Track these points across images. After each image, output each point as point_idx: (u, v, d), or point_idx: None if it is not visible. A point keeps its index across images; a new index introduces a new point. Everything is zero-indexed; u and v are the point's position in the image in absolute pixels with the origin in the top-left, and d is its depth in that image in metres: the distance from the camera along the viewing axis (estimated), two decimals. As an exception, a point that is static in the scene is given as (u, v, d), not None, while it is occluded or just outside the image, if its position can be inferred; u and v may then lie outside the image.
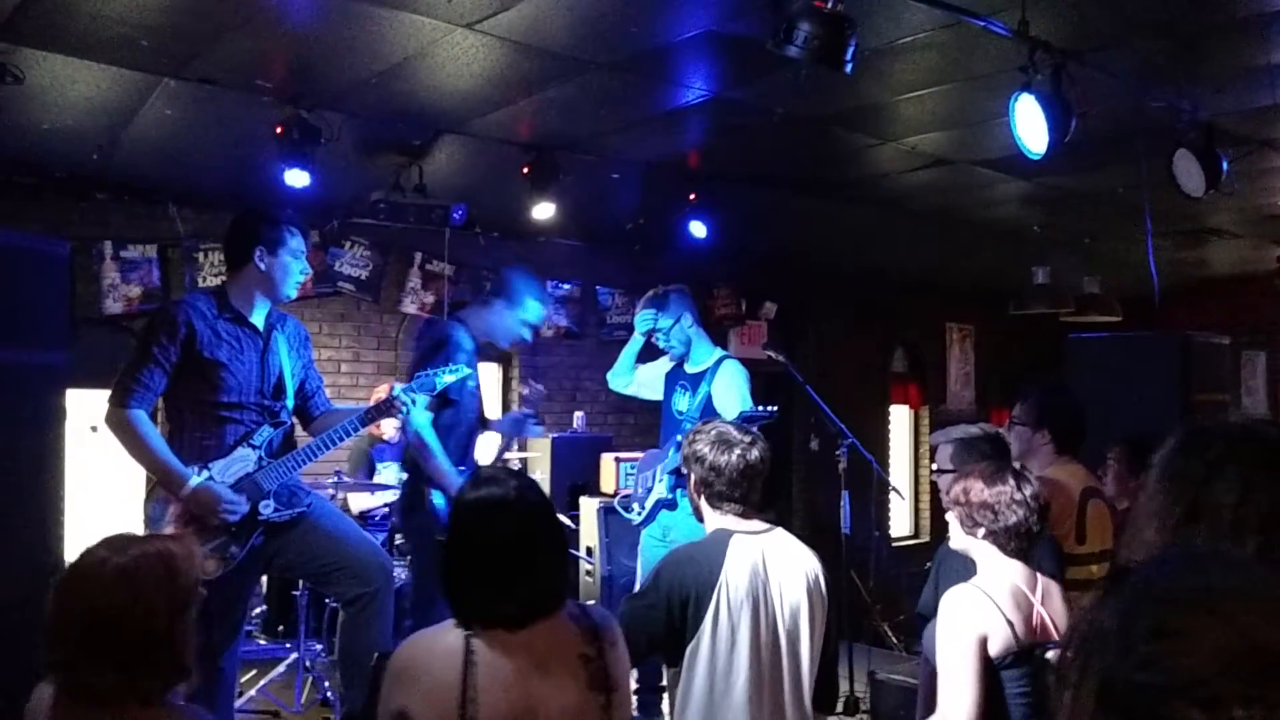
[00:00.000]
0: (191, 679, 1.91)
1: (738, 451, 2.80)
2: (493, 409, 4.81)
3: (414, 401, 3.74)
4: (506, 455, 6.90)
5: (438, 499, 4.23)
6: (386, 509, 5.77)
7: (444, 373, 3.82)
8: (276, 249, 3.59)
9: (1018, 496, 2.67)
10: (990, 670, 2.57)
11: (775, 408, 4.55)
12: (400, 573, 5.37)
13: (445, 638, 2.09)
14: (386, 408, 3.71)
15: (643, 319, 4.83)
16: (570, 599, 2.22)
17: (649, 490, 4.86)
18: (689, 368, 4.93)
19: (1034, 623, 2.64)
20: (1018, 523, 2.66)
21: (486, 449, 4.72)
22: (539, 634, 2.10)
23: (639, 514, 4.89)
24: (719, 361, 4.86)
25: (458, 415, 4.22)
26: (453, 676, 2.02)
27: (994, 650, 2.57)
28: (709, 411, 4.70)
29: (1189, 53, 4.42)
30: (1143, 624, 0.85)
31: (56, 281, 3.56)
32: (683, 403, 4.90)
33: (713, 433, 2.86)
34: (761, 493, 2.91)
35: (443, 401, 4.11)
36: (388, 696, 2.08)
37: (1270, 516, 1.59)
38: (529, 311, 4.47)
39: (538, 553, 2.13)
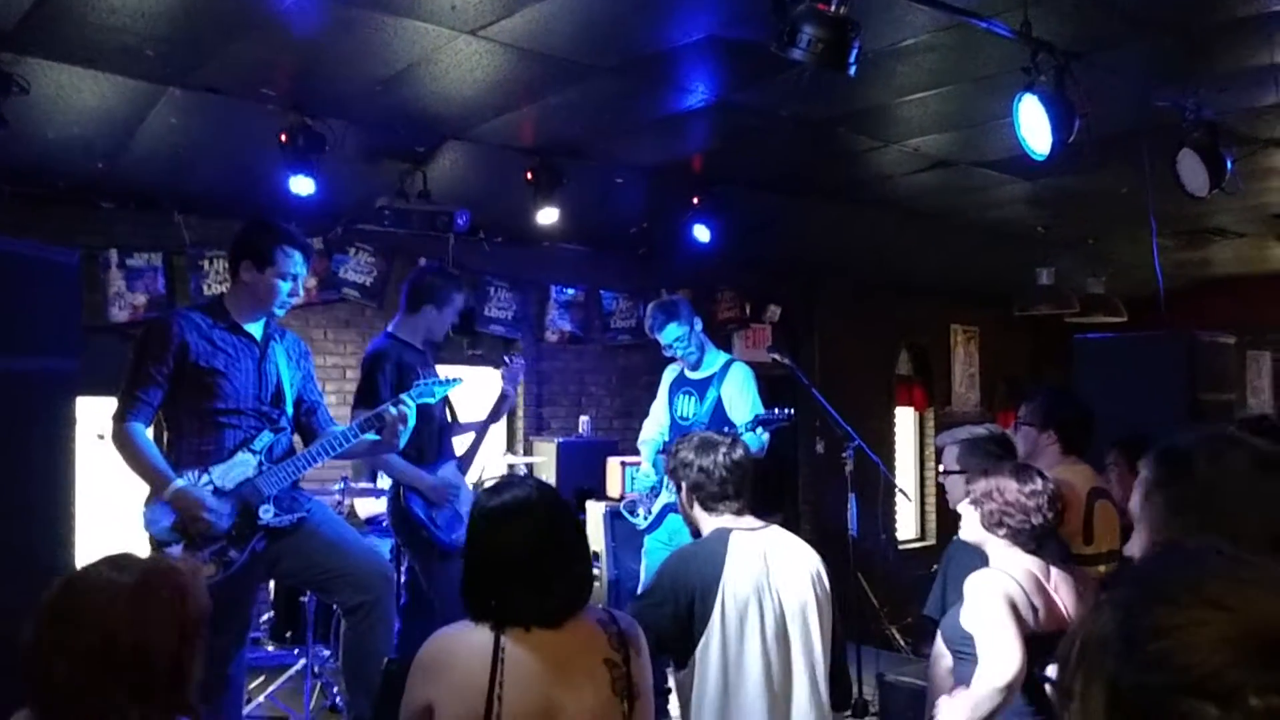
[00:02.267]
0: (195, 714, 1.78)
1: (722, 450, 2.87)
2: (481, 410, 4.84)
3: (409, 410, 3.74)
4: (512, 460, 6.93)
5: (416, 505, 4.34)
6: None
7: (436, 385, 3.90)
8: (264, 266, 3.55)
9: (1047, 497, 2.75)
10: (1025, 637, 2.61)
11: (791, 410, 4.56)
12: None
13: (474, 634, 2.10)
14: (379, 420, 3.71)
15: (669, 331, 4.82)
16: (597, 604, 2.23)
17: (658, 494, 4.86)
18: (693, 374, 4.93)
19: (1052, 612, 2.70)
20: (1045, 522, 2.75)
21: (460, 446, 4.74)
22: (566, 635, 2.11)
23: (645, 518, 4.88)
24: (726, 366, 4.87)
25: (422, 417, 4.19)
26: (482, 671, 2.03)
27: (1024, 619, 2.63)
28: (719, 416, 4.71)
29: (1193, 52, 4.42)
30: (1143, 624, 0.84)
31: (66, 290, 3.57)
32: (687, 408, 4.89)
33: (694, 440, 2.94)
34: (760, 495, 2.94)
35: None
36: (414, 689, 2.11)
37: (1272, 522, 1.59)
38: (456, 305, 4.60)
39: (562, 552, 2.15)
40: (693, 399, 4.90)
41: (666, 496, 4.77)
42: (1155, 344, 5.81)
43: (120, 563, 1.74)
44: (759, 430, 4.50)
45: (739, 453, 2.88)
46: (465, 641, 2.11)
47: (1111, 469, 4.22)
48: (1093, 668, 0.87)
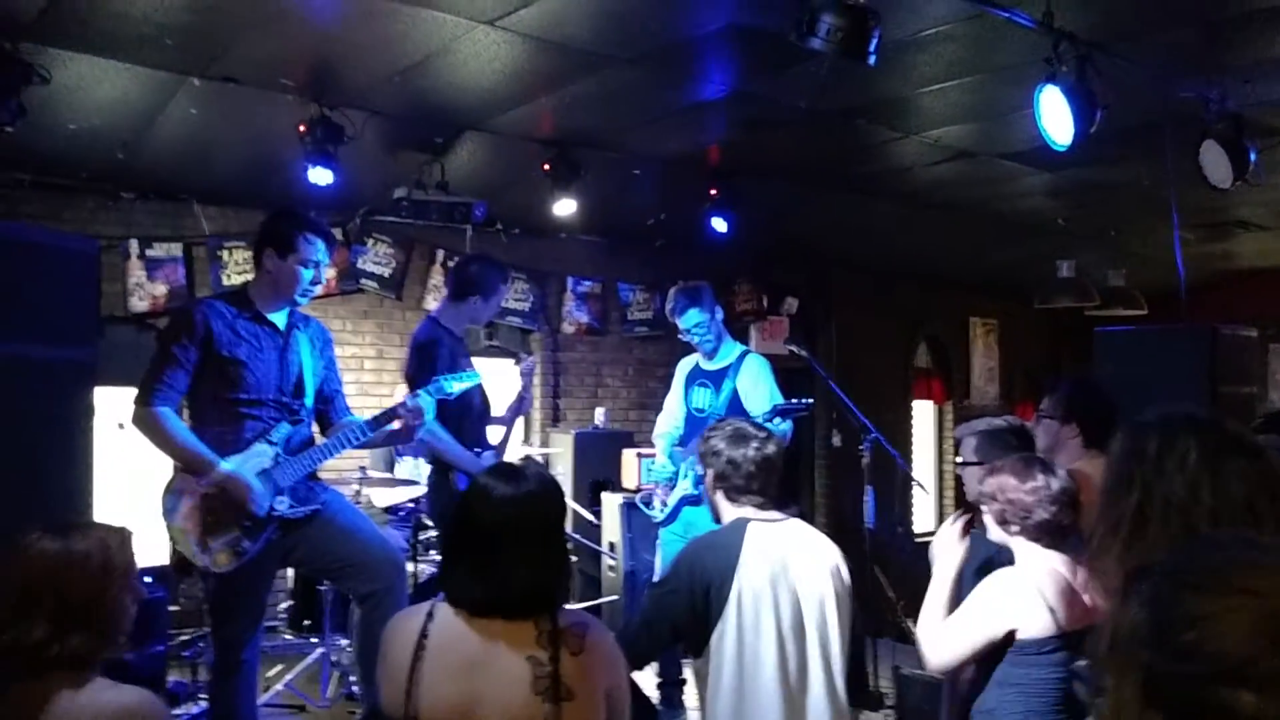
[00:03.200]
0: (119, 650, 2.04)
1: (754, 445, 2.84)
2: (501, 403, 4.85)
3: (426, 405, 3.76)
4: (528, 451, 6.94)
5: (463, 485, 4.29)
6: (412, 504, 5.79)
7: (454, 379, 3.89)
8: (286, 254, 3.57)
9: (1049, 492, 2.70)
10: (995, 655, 2.61)
11: (809, 400, 4.54)
12: (424, 569, 5.42)
13: (412, 619, 2.12)
14: (392, 414, 3.72)
15: (690, 316, 4.80)
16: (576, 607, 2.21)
17: (674, 487, 4.85)
18: (708, 365, 4.91)
19: (1078, 608, 2.67)
20: (1050, 518, 2.69)
21: (494, 436, 4.76)
22: (495, 627, 2.06)
23: (661, 511, 4.88)
24: (741, 357, 4.85)
25: (462, 405, 4.24)
26: (406, 658, 2.04)
27: (1030, 635, 2.59)
28: (735, 407, 4.69)
29: (1216, 42, 4.38)
30: (1173, 614, 0.84)
31: (85, 279, 3.59)
32: (702, 400, 4.88)
33: (728, 429, 2.91)
34: (780, 488, 2.93)
35: (453, 403, 4.17)
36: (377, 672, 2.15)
37: (1219, 509, 1.55)
38: (501, 295, 4.66)
39: (518, 547, 2.09)
40: (708, 391, 4.88)
41: (682, 489, 4.77)
42: (1176, 337, 5.75)
43: (55, 528, 2.04)
44: (777, 421, 4.48)
45: (770, 449, 2.85)
46: (403, 626, 2.11)
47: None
48: (1125, 660, 0.86)
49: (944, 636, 2.65)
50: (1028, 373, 11.70)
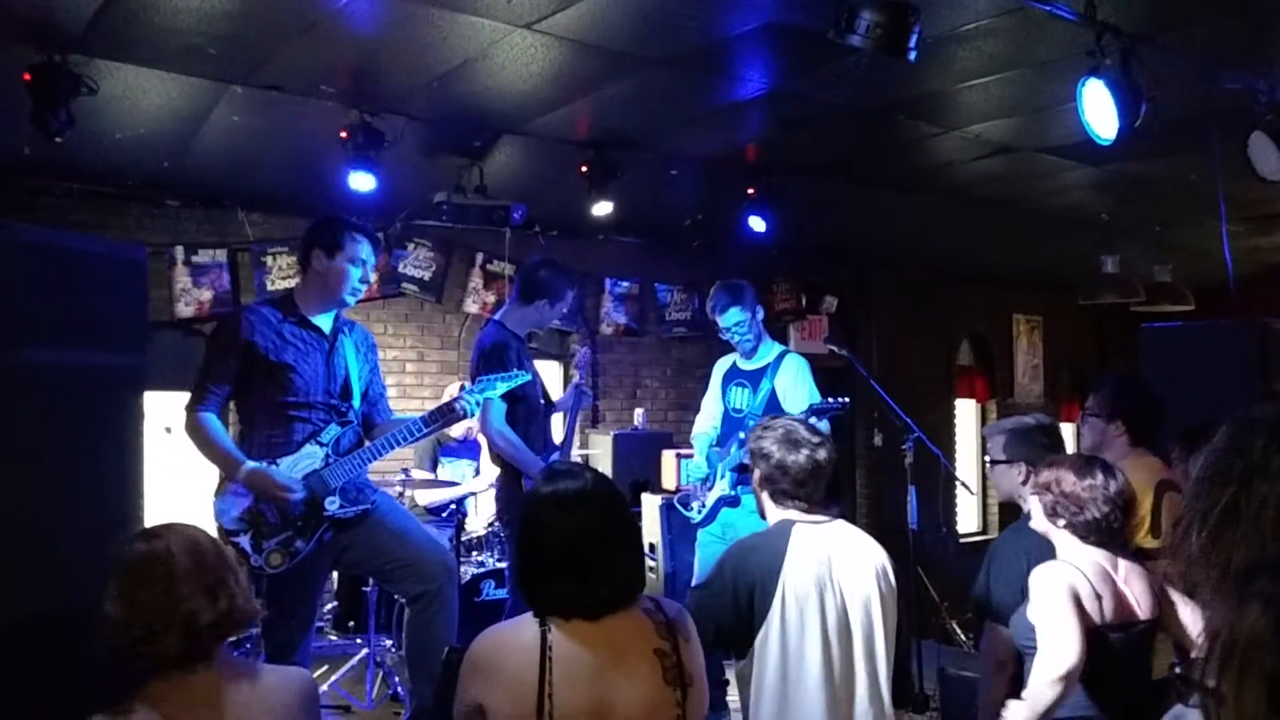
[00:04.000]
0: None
1: (805, 451, 2.80)
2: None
3: (476, 404, 3.80)
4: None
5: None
6: (454, 504, 5.83)
7: (500, 380, 3.90)
8: (334, 253, 3.64)
9: (1105, 492, 2.68)
10: (1088, 630, 2.57)
11: (846, 399, 4.50)
12: (465, 570, 5.45)
13: (522, 632, 2.10)
14: (448, 412, 3.76)
15: (731, 314, 4.77)
16: (644, 594, 2.21)
17: (710, 487, 4.83)
18: (746, 364, 4.89)
19: (1118, 602, 2.65)
20: (1100, 518, 2.68)
21: (557, 429, 4.78)
22: (614, 627, 2.10)
23: (699, 512, 4.87)
24: (780, 357, 4.82)
25: (529, 407, 4.32)
26: (531, 671, 2.03)
27: (1087, 612, 2.58)
28: (774, 407, 4.66)
29: (1263, 32, 4.30)
30: None
31: (135, 285, 3.63)
32: (740, 400, 4.85)
33: (780, 430, 2.85)
34: (827, 491, 2.90)
35: (512, 400, 4.22)
36: (465, 690, 2.10)
37: None
38: (566, 301, 4.64)
39: (614, 543, 2.14)
40: (746, 390, 4.86)
41: (720, 489, 4.75)
42: (1225, 333, 5.65)
43: (150, 533, 2.09)
44: (813, 420, 4.45)
45: (822, 454, 2.81)
46: (513, 640, 2.10)
47: (1177, 463, 4.11)
48: (1247, 666, 0.83)
49: (1050, 648, 2.58)
50: (1072, 370, 11.54)
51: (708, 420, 5.05)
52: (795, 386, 4.70)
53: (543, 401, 4.51)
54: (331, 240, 3.64)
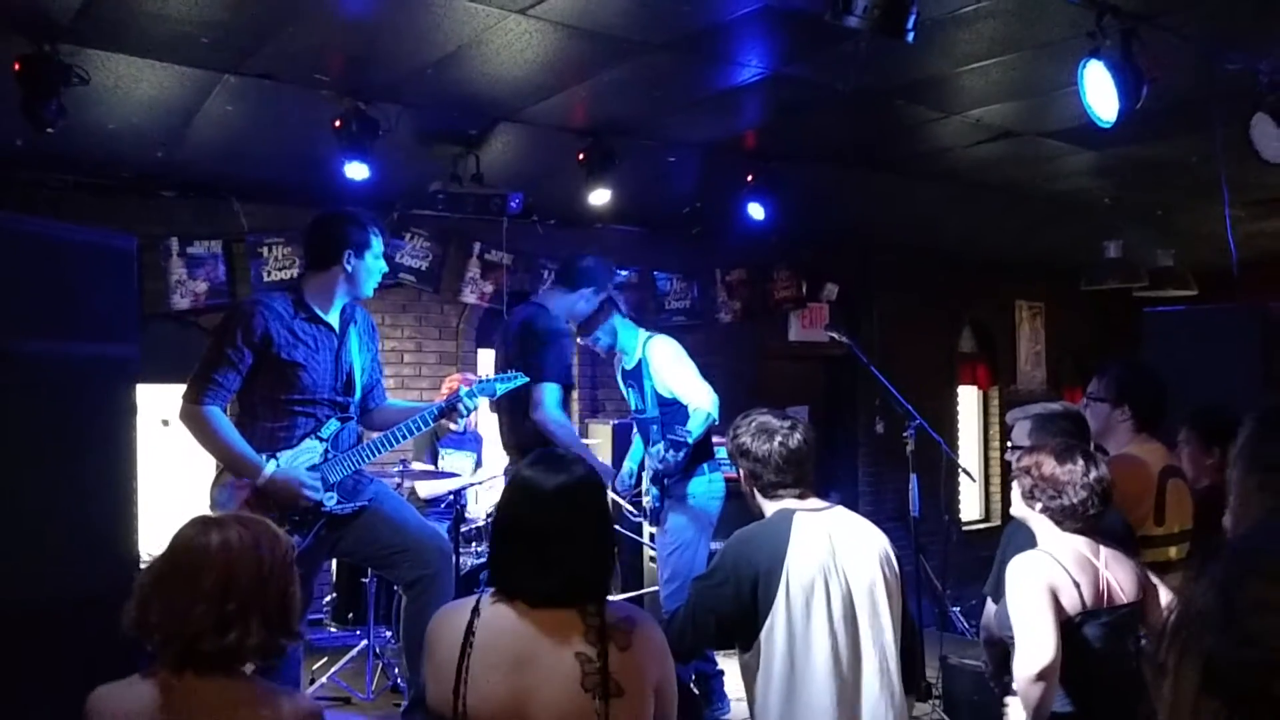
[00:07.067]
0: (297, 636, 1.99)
1: (778, 439, 2.79)
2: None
3: (475, 406, 3.83)
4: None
5: None
6: (452, 496, 5.80)
7: (500, 380, 3.94)
8: (363, 252, 3.69)
9: (1084, 480, 2.67)
10: (1065, 624, 2.58)
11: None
12: (465, 560, 5.43)
13: (457, 613, 2.09)
14: (449, 411, 3.76)
15: (590, 339, 4.78)
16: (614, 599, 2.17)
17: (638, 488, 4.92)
18: (627, 364, 4.87)
19: (1099, 587, 2.66)
20: (1077, 504, 2.68)
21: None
22: (545, 620, 2.04)
23: (651, 500, 4.82)
24: (644, 346, 4.79)
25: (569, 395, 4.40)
26: (454, 654, 2.02)
27: (1063, 605, 2.58)
28: (669, 402, 4.64)
29: (1266, 12, 4.24)
30: (1244, 598, 0.80)
31: (125, 275, 3.61)
32: (635, 400, 4.87)
33: (752, 424, 2.86)
34: (816, 474, 2.89)
35: (565, 390, 4.36)
36: (423, 667, 2.12)
37: None
38: (605, 293, 4.70)
39: (564, 541, 2.08)
40: (634, 393, 4.85)
41: (645, 481, 4.82)
42: (1228, 317, 5.62)
43: (211, 521, 1.96)
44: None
45: (796, 438, 2.79)
46: (451, 620, 2.09)
47: (1183, 447, 4.07)
48: (1189, 643, 0.82)
49: (1025, 646, 2.58)
50: (1075, 356, 11.50)
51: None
52: (671, 372, 4.65)
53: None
54: (362, 239, 3.68)
